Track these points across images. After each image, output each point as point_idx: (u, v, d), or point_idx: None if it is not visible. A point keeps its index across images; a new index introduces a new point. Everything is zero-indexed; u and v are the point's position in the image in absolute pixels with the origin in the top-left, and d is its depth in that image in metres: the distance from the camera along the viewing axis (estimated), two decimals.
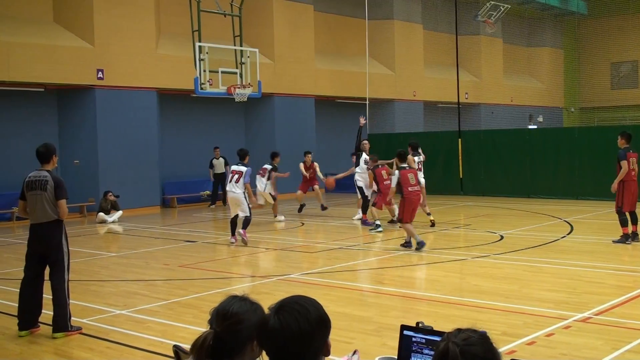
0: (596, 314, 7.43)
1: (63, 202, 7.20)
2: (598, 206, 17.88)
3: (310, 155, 18.60)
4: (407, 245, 12.12)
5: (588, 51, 38.70)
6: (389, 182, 14.76)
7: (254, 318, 2.62)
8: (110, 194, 18.29)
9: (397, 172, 12.21)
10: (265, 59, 22.66)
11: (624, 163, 12.16)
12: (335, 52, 27.82)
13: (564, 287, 8.87)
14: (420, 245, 11.82)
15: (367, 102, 26.33)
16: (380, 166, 15.03)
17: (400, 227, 12.78)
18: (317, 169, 18.50)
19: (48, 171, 7.29)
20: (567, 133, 22.84)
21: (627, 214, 12.21)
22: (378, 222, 14.68)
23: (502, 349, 3.56)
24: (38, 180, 7.22)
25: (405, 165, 12.44)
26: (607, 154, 18.32)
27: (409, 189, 11.95)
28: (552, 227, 14.85)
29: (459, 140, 23.02)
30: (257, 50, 19.17)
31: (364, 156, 16.00)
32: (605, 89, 38.15)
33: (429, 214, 15.32)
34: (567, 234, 13.65)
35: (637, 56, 37.13)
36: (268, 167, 17.01)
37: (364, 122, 17.18)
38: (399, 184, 11.98)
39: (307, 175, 18.17)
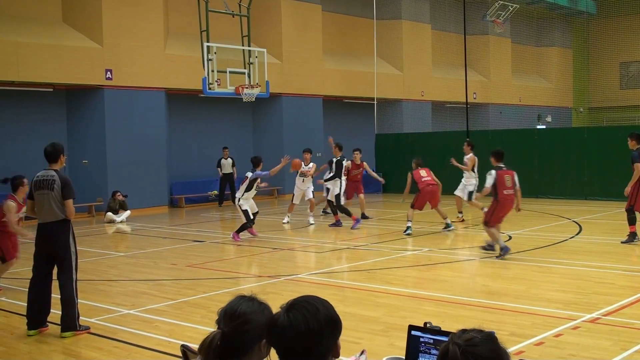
0: (605, 315, 7.39)
1: (70, 201, 7.18)
2: (607, 206, 17.80)
3: (359, 153, 17.22)
4: (489, 248, 11.34)
5: (597, 51, 38.53)
6: (429, 178, 14.35)
7: (261, 318, 2.62)
8: (119, 193, 18.35)
9: (493, 172, 11.06)
10: (273, 59, 22.69)
11: (637, 166, 11.96)
12: (343, 52, 27.82)
13: (573, 288, 8.83)
14: (504, 251, 10.92)
15: (375, 102, 26.33)
16: (419, 167, 14.57)
17: (484, 229, 11.49)
18: (368, 169, 17.47)
19: (56, 171, 7.26)
20: (576, 133, 22.76)
21: (637, 213, 12.15)
22: (410, 224, 14.22)
23: (510, 350, 3.52)
24: (45, 179, 7.21)
25: (502, 165, 11.24)
26: (616, 154, 18.26)
27: (504, 192, 10.98)
28: (561, 227, 14.80)
29: (467, 140, 22.96)
30: (265, 50, 19.19)
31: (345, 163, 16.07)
32: (614, 89, 38.01)
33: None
34: (576, 234, 13.59)
35: None
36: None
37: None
38: (493, 185, 10.96)
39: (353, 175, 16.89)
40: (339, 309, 2.48)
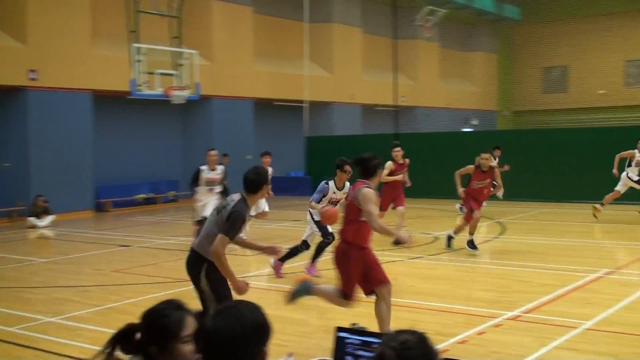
0: (525, 312, 7.64)
1: (221, 238, 5.54)
2: (530, 207, 18.38)
3: (400, 150, 13.10)
4: None
5: (521, 56, 39.81)
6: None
7: (182, 319, 2.64)
8: (41, 198, 17.80)
9: None
10: (203, 61, 22.47)
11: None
12: (274, 54, 27.80)
13: (496, 287, 9.08)
14: None
15: (305, 105, 26.41)
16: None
17: None
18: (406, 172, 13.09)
19: (243, 198, 5.81)
20: (501, 136, 23.43)
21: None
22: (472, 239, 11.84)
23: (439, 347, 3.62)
24: (226, 200, 5.91)
25: None
26: (540, 156, 18.91)
27: None
28: (485, 228, 15.18)
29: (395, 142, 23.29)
30: (196, 51, 19.00)
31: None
32: (537, 93, 39.31)
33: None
34: (499, 235, 13.97)
35: (567, 61, 38.38)
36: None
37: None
38: None
39: (398, 177, 12.82)
40: (267, 312, 2.50)
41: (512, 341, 6.61)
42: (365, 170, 6.44)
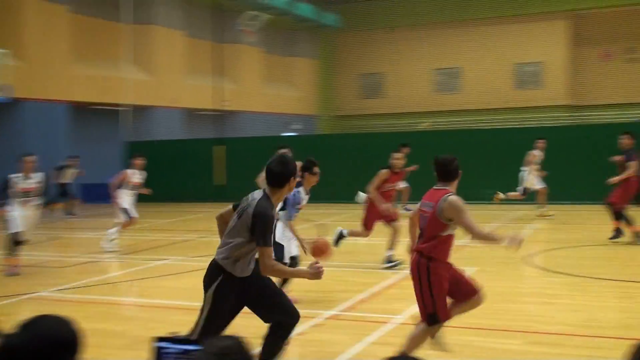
0: (344, 311, 7.98)
1: (264, 250, 4.84)
2: (352, 208, 19.11)
3: (287, 152, 10.45)
4: None
5: (340, 62, 41.37)
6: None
7: None
8: None
9: None
10: (15, 61, 21.06)
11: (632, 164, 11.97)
12: (93, 56, 26.68)
13: (316, 287, 9.33)
14: None
15: (124, 109, 25.64)
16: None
17: None
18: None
19: (265, 194, 5.00)
20: (322, 140, 24.22)
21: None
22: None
23: (256, 352, 3.56)
24: (247, 200, 5.06)
25: None
26: (359, 159, 19.79)
27: None
28: (308, 230, 15.60)
29: (219, 147, 23.30)
30: (6, 51, 17.80)
31: None
32: (355, 98, 41.06)
33: None
34: (320, 236, 14.40)
35: (383, 69, 40.44)
36: None
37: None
38: None
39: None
40: (83, 326, 2.44)
41: (331, 339, 6.88)
42: (446, 173, 5.63)
